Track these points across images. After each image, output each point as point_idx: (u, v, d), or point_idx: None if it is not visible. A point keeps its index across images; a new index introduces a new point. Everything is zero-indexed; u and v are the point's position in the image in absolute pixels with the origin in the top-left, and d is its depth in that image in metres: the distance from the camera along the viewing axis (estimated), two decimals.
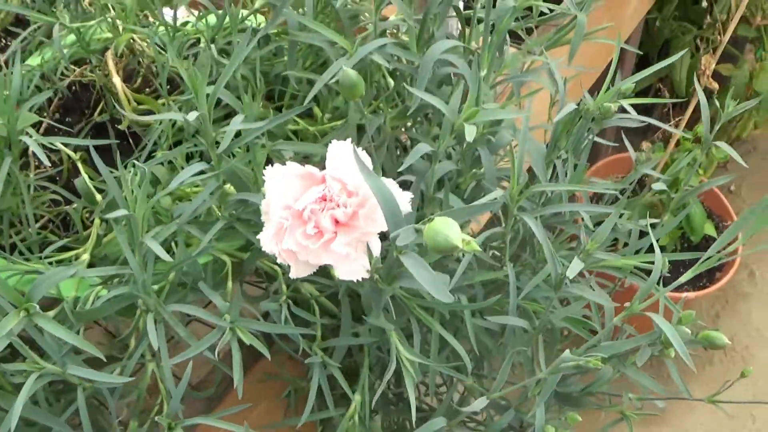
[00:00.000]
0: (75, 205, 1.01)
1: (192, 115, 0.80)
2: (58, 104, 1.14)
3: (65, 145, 1.01)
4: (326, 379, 1.01)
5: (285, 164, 0.78)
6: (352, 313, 0.99)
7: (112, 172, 0.84)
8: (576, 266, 0.81)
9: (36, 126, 1.10)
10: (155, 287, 0.91)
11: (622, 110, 0.96)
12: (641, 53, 2.33)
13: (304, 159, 0.98)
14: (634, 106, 0.96)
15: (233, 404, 0.93)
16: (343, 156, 0.77)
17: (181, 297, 0.93)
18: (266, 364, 1.16)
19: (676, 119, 2.47)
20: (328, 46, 0.93)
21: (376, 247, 0.76)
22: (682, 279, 0.84)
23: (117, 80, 1.05)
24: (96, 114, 1.13)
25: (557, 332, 1.07)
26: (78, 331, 0.88)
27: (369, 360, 1.04)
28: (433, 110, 1.00)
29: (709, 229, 2.38)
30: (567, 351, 0.82)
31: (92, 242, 0.97)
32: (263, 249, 0.77)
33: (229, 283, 0.95)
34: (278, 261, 0.77)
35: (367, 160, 0.77)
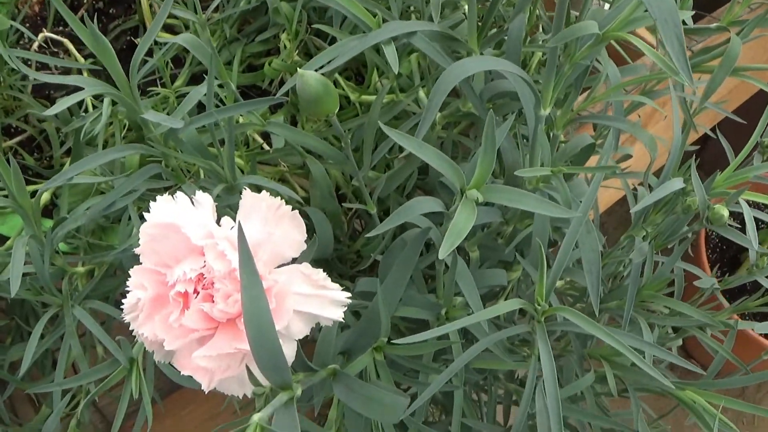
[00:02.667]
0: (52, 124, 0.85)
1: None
2: None
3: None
4: None
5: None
6: None
7: None
8: None
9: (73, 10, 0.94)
10: (83, 269, 0.74)
11: None
12: None
13: (310, 154, 0.75)
14: None
15: None
16: (256, 213, 0.52)
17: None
18: None
19: None
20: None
21: (288, 357, 0.50)
22: None
23: None
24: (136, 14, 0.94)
25: None
26: None
27: None
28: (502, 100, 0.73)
29: None
30: None
31: None
32: (124, 317, 0.53)
33: None
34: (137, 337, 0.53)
35: (290, 231, 0.53)
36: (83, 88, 0.61)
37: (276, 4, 0.81)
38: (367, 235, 0.62)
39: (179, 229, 0.50)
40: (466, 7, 0.76)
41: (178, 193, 0.52)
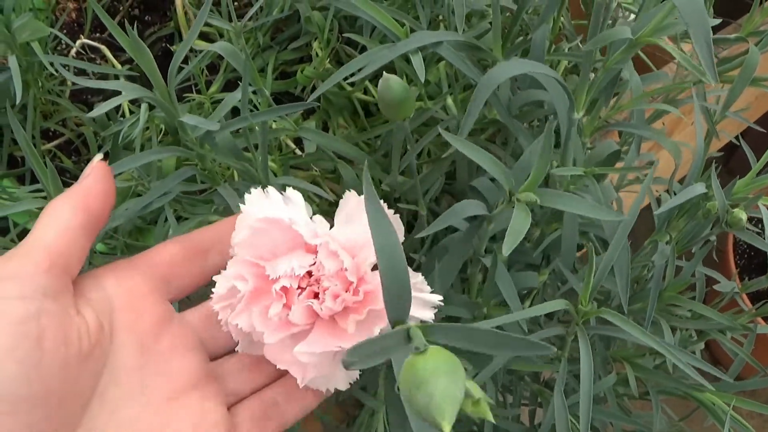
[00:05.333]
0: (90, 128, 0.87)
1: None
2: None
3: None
4: None
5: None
6: None
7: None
8: None
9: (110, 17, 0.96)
10: None
11: None
12: None
13: (341, 160, 0.77)
14: None
15: None
16: (360, 216, 0.53)
17: None
18: None
19: None
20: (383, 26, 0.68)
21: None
22: None
23: None
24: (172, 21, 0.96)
25: None
26: None
27: None
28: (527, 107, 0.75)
29: None
30: None
31: None
32: (213, 306, 0.54)
33: None
34: (222, 326, 0.55)
35: (395, 227, 0.54)
36: (121, 93, 0.64)
37: (308, 14, 0.84)
38: (417, 236, 0.64)
39: (286, 225, 0.52)
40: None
41: (270, 189, 0.54)
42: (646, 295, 0.72)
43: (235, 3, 1.01)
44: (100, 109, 0.63)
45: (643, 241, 0.74)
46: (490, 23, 0.77)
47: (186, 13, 0.88)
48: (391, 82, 0.53)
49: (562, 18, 0.79)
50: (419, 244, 0.79)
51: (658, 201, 0.77)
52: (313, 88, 0.90)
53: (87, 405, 0.49)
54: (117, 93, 0.64)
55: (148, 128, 0.82)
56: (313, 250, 0.52)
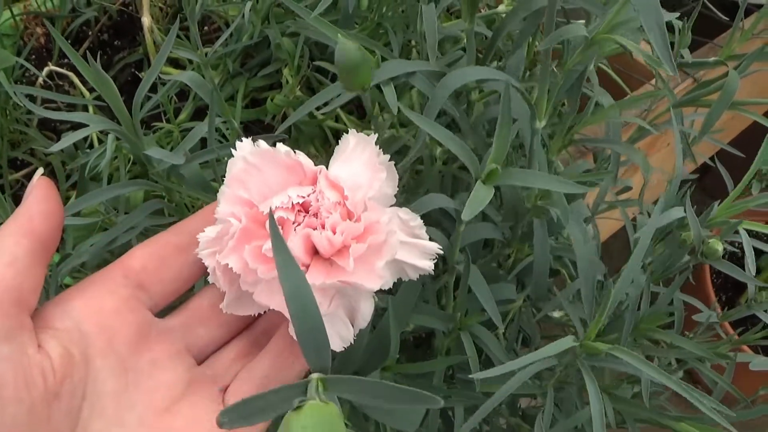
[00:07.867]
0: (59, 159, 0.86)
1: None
2: (109, 24, 0.97)
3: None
4: None
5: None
6: None
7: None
8: None
9: (78, 42, 0.95)
10: None
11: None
12: None
13: None
14: None
15: None
16: (358, 156, 0.51)
17: None
18: None
19: None
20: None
21: (364, 315, 0.49)
22: None
23: (146, 20, 0.86)
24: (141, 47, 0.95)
25: None
26: None
27: None
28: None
29: None
30: None
31: None
32: (198, 253, 0.51)
33: None
34: (209, 278, 0.51)
35: (389, 181, 0.51)
36: (88, 124, 0.62)
37: (278, 40, 0.82)
38: None
39: (282, 160, 0.49)
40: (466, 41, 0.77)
41: (259, 140, 0.51)
42: (621, 325, 0.71)
43: (205, 28, 1.00)
44: (66, 140, 0.61)
45: (618, 263, 0.73)
46: (463, 49, 0.76)
47: (155, 40, 0.87)
48: (347, 45, 0.51)
49: (536, 44, 0.79)
50: None
51: (634, 225, 0.76)
52: (284, 115, 0.89)
53: None
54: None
55: (116, 158, 0.81)
56: (311, 181, 0.49)
